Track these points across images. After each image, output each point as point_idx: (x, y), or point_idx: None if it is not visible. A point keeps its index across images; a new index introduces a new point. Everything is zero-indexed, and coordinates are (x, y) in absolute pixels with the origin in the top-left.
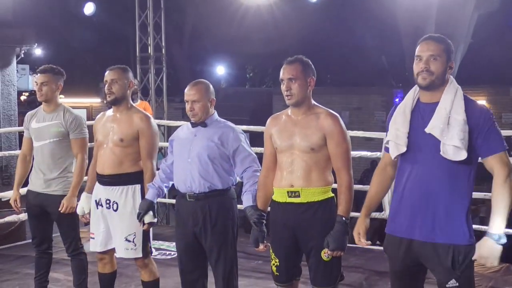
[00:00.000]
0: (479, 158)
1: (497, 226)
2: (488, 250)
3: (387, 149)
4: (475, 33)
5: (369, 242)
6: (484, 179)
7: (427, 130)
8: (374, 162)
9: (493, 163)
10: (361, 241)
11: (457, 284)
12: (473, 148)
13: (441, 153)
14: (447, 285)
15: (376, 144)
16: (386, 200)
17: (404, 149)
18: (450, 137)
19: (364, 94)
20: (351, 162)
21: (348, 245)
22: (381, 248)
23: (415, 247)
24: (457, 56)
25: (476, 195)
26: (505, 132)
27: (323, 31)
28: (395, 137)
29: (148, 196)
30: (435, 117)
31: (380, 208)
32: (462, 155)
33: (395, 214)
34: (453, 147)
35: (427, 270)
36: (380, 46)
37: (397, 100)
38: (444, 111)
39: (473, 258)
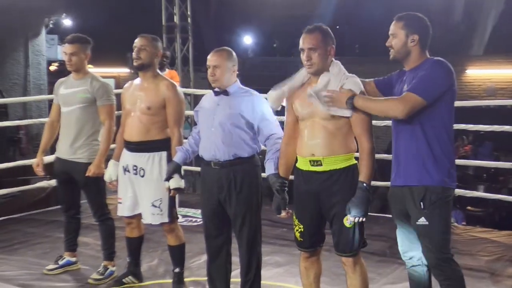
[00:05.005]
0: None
1: None
2: None
3: None
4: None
5: None
6: None
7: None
8: None
9: None
10: None
11: (427, 222)
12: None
13: None
14: (417, 222)
15: None
16: None
17: None
18: None
19: (392, 63)
20: (372, 128)
21: (372, 214)
22: None
23: (400, 192)
24: (488, 23)
25: (505, 165)
26: None
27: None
28: None
29: (176, 158)
30: None
31: None
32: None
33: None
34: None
35: None
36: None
37: None
38: None
39: None
